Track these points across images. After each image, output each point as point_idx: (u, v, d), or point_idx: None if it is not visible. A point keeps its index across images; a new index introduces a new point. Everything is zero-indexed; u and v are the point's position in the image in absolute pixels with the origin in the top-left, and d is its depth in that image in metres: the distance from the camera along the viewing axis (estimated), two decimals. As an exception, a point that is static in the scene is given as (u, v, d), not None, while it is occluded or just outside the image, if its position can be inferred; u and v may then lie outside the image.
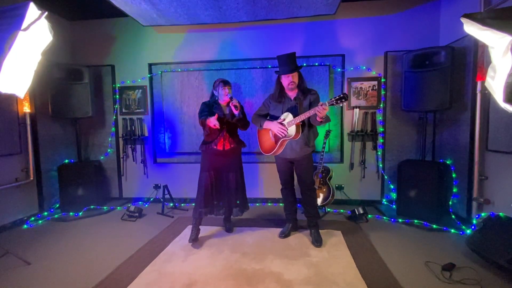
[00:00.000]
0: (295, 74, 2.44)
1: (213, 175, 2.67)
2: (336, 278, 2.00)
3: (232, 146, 2.70)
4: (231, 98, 2.56)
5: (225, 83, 2.63)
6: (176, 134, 3.92)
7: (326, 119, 2.33)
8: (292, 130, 2.39)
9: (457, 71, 2.95)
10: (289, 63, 2.41)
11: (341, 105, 2.17)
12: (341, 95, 2.12)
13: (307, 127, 2.47)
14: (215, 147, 2.65)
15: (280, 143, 2.48)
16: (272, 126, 2.49)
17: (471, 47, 2.83)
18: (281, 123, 2.44)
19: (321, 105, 2.15)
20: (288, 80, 2.43)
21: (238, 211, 2.83)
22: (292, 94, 2.51)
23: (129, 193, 4.09)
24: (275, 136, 2.50)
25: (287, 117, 2.42)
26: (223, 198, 2.76)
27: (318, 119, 2.25)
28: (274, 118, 2.54)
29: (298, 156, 2.51)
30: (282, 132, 2.41)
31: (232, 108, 2.53)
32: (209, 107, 2.67)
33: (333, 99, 2.15)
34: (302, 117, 2.31)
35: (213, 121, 2.44)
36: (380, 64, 3.53)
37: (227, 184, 2.73)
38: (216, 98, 2.69)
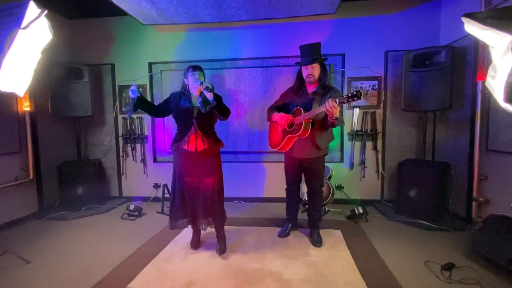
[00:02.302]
0: (315, 67, 2.27)
1: (186, 181, 2.29)
2: (336, 278, 2.00)
3: (206, 146, 2.26)
4: (201, 83, 2.14)
5: (195, 68, 2.26)
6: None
7: (339, 122, 2.15)
8: (300, 126, 2.24)
9: (458, 70, 2.95)
10: (309, 53, 2.25)
11: (352, 103, 1.98)
12: (354, 93, 1.85)
13: (319, 127, 2.31)
14: (185, 147, 2.25)
15: (287, 139, 2.37)
16: (278, 118, 2.37)
17: (472, 47, 2.82)
18: (288, 116, 2.32)
19: (331, 101, 1.94)
20: (307, 72, 2.29)
21: (209, 224, 2.38)
22: (311, 88, 2.36)
23: (129, 192, 4.08)
24: (283, 131, 2.41)
25: (298, 112, 2.28)
26: (198, 209, 2.32)
27: (329, 119, 2.09)
28: (288, 111, 2.41)
29: (306, 157, 2.39)
30: (284, 122, 2.31)
31: (205, 92, 2.09)
32: (173, 99, 2.33)
33: (344, 96, 1.91)
34: (311, 113, 2.16)
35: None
36: (380, 64, 3.53)
37: (202, 192, 2.29)
38: (188, 88, 2.32)
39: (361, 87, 3.58)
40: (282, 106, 2.51)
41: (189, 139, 2.26)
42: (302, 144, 2.36)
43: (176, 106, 2.30)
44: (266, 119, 2.63)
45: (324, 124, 2.30)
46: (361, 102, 3.58)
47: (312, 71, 2.29)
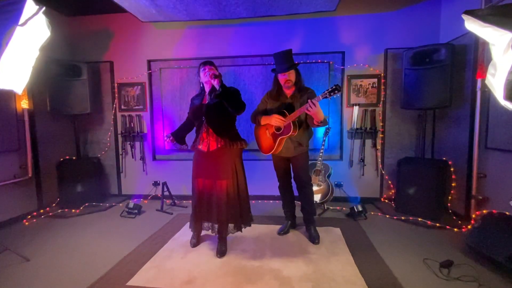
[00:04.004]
0: (291, 72, 2.38)
1: (199, 182, 2.28)
2: (335, 275, 2.00)
3: (219, 146, 2.15)
4: (209, 74, 2.06)
5: (205, 63, 2.18)
6: (175, 131, 3.91)
7: (324, 122, 2.26)
8: (289, 127, 2.34)
9: (457, 68, 2.94)
10: (284, 61, 2.36)
11: (334, 96, 2.10)
12: (334, 87, 2.01)
13: (302, 127, 2.42)
14: (199, 146, 2.20)
15: (279, 141, 2.43)
16: (270, 120, 2.40)
17: (472, 45, 2.82)
18: (278, 116, 2.37)
19: (310, 101, 2.09)
20: (284, 79, 2.38)
21: (233, 228, 2.34)
22: (289, 92, 2.47)
23: (128, 190, 4.08)
24: (273, 134, 2.46)
25: (283, 115, 2.37)
26: (211, 214, 2.27)
27: (314, 122, 2.20)
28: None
29: (292, 154, 2.49)
30: (280, 122, 2.33)
31: (211, 80, 1.98)
32: (191, 103, 2.32)
33: (326, 91, 2.07)
34: (297, 113, 2.26)
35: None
36: (380, 62, 3.52)
37: (214, 195, 2.21)
38: (202, 85, 2.28)
39: (360, 85, 3.58)
40: (263, 111, 2.57)
41: (202, 138, 2.20)
42: (287, 144, 2.45)
43: (191, 106, 2.32)
44: (255, 123, 2.61)
45: (305, 124, 2.42)
46: (360, 99, 3.59)
47: (289, 77, 2.39)
